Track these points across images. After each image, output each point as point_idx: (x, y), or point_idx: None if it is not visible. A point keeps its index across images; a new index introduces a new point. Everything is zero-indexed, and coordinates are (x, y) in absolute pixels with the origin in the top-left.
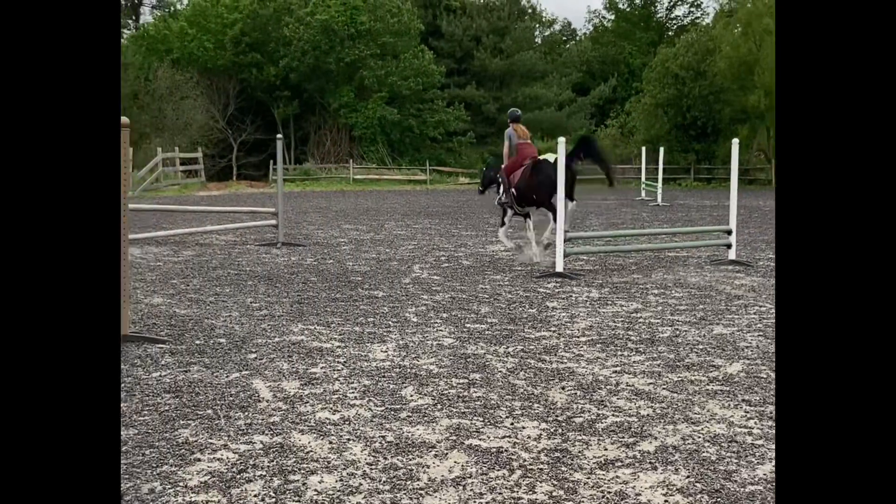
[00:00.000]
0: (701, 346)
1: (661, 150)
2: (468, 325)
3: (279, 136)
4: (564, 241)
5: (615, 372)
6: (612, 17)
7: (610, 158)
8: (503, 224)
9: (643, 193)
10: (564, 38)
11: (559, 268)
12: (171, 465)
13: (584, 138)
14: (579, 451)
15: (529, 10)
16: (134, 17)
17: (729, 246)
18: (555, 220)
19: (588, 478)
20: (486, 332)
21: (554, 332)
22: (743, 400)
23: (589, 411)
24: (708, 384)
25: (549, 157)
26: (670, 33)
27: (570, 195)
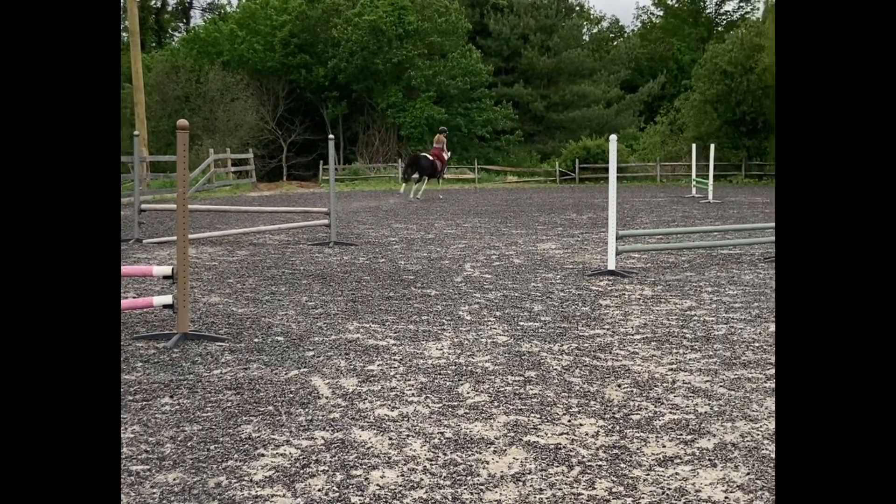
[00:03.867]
0: (757, 344)
1: (712, 146)
2: (522, 323)
3: (331, 136)
4: (616, 238)
5: (671, 370)
6: (661, 13)
7: (429, 171)
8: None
9: (694, 190)
10: (612, 35)
11: (611, 266)
12: (236, 461)
13: (411, 159)
14: (638, 448)
15: (577, 8)
16: (185, 20)
17: None
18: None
19: (647, 474)
20: (540, 330)
21: (608, 329)
22: None
23: (646, 409)
24: (765, 382)
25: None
26: (719, 29)
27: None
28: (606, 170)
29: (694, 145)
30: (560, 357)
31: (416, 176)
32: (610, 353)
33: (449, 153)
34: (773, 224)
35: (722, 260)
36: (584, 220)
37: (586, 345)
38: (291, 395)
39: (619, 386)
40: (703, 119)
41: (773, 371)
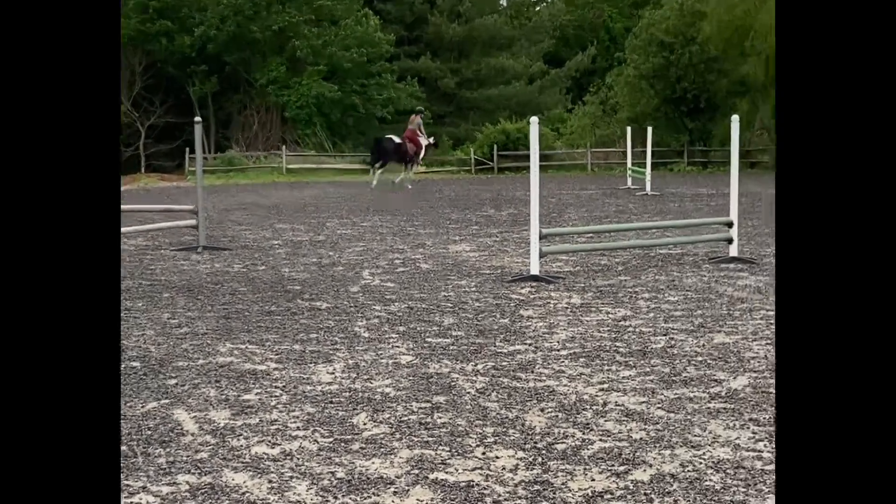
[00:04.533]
0: (700, 358)
1: (649, 129)
2: (429, 340)
3: (198, 118)
4: (540, 238)
5: (602, 390)
6: None
7: (398, 153)
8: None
9: (629, 181)
10: None
11: (534, 270)
12: None
13: (373, 142)
14: (563, 483)
15: None
16: None
17: (730, 241)
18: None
19: None
20: (451, 348)
21: (530, 345)
22: (750, 419)
23: (573, 436)
24: (709, 402)
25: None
26: None
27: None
28: (528, 157)
29: (629, 128)
30: (474, 378)
31: (380, 163)
32: (532, 372)
33: (431, 139)
34: (721, 219)
35: (661, 261)
36: (503, 217)
37: (505, 363)
38: (149, 433)
39: (543, 410)
40: (638, 97)
41: (716, 389)
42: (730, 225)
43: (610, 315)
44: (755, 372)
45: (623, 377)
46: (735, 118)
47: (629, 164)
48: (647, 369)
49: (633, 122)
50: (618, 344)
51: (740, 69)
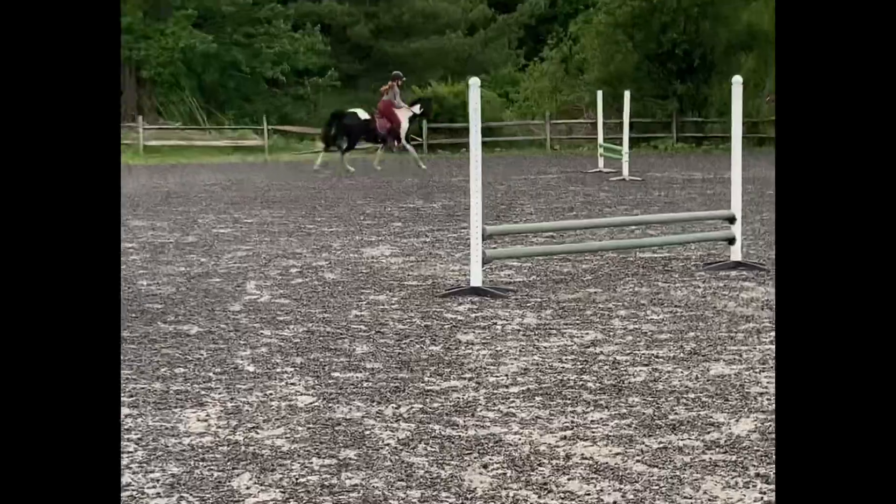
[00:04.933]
0: (692, 395)
1: (627, 95)
2: (336, 375)
3: None
4: (484, 238)
5: (564, 438)
6: None
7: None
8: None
9: (601, 162)
10: None
11: (476, 281)
12: None
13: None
14: None
15: None
16: None
17: (731, 241)
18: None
19: None
20: (365, 385)
21: (470, 380)
22: (757, 475)
23: (525, 500)
24: (704, 452)
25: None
26: None
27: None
28: (468, 132)
29: (600, 93)
30: (395, 425)
31: (346, 146)
32: (472, 415)
33: (417, 108)
34: (720, 212)
35: (642, 268)
36: (435, 211)
37: (436, 405)
38: None
39: (486, 467)
40: (612, 53)
41: (714, 436)
42: (731, 220)
43: (575, 339)
44: (763, 412)
45: (592, 421)
46: (737, 80)
47: (601, 141)
48: (624, 410)
49: (606, 84)
50: (585, 377)
51: (744, 15)
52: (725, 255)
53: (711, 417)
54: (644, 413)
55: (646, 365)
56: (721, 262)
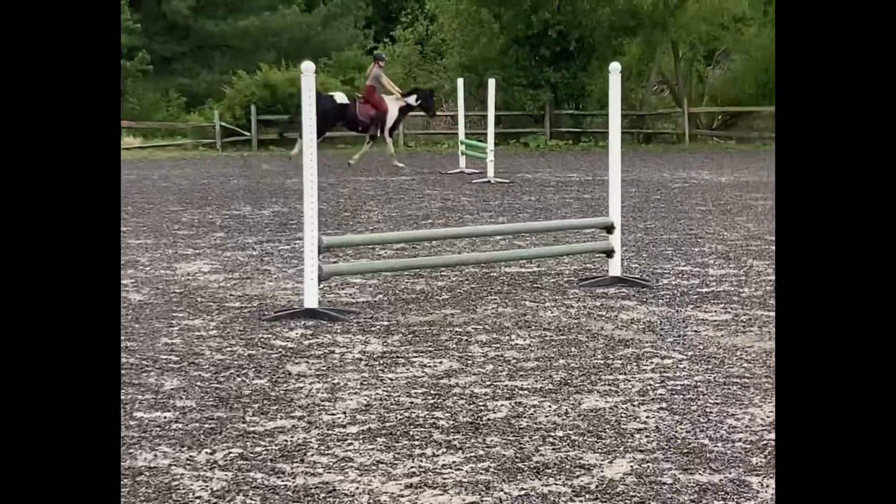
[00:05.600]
0: (561, 433)
1: (491, 83)
2: (139, 415)
3: None
4: (320, 251)
5: (410, 487)
6: None
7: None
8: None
9: (462, 161)
10: None
11: (310, 301)
12: None
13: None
14: None
15: None
16: None
17: (610, 253)
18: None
19: None
20: (174, 426)
21: (300, 419)
22: None
23: None
24: (571, 500)
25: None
26: None
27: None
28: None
29: (461, 81)
30: (209, 474)
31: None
32: (302, 461)
33: (412, 99)
34: (597, 220)
35: (507, 285)
36: (264, 219)
37: (259, 449)
38: None
39: None
40: (475, 34)
41: (584, 480)
42: (609, 229)
43: (427, 369)
44: (641, 452)
45: (443, 465)
46: (615, 67)
47: (462, 136)
48: (481, 452)
49: (469, 71)
50: (437, 414)
51: None
52: (603, 270)
53: (581, 459)
54: (504, 455)
55: (508, 398)
56: (598, 278)
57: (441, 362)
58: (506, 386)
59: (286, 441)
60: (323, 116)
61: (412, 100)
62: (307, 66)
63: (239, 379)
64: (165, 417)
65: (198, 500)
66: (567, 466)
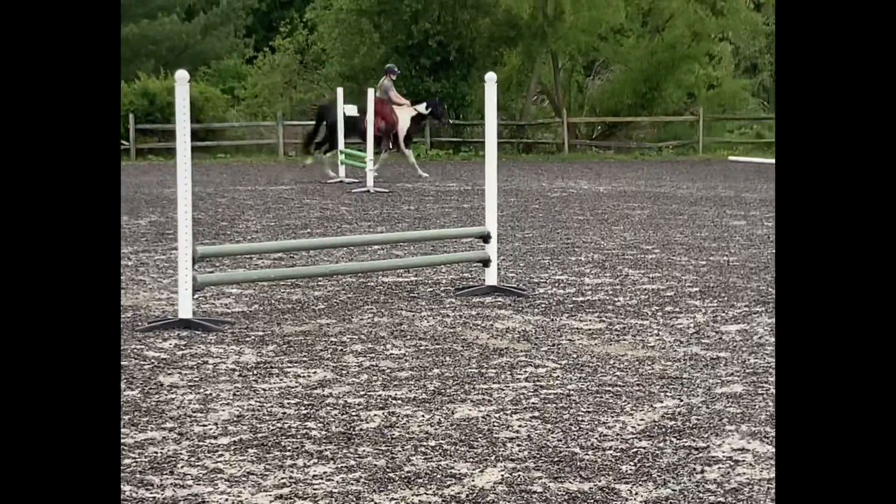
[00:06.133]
0: (433, 443)
1: (371, 93)
2: None
3: None
4: (195, 261)
5: (280, 498)
6: None
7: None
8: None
9: (342, 171)
10: None
11: (185, 312)
12: None
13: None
14: None
15: None
16: None
17: (486, 262)
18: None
19: None
20: None
21: (171, 430)
22: None
23: None
24: None
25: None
26: None
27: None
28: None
29: (341, 90)
30: None
31: (321, 141)
32: (171, 473)
33: (422, 107)
34: (474, 229)
35: (384, 294)
36: (141, 229)
37: (128, 461)
38: None
39: None
40: (356, 44)
41: (455, 489)
42: (486, 238)
43: (301, 379)
44: (512, 461)
45: (314, 476)
46: (490, 77)
47: (341, 146)
48: (353, 462)
49: (349, 80)
50: (310, 424)
51: (505, 2)
52: (480, 279)
53: (453, 468)
54: (376, 465)
55: (381, 408)
56: (475, 287)
57: (315, 372)
58: (379, 396)
59: (156, 453)
60: (334, 128)
61: (422, 108)
62: (181, 76)
63: None
64: None
65: None
66: (438, 476)
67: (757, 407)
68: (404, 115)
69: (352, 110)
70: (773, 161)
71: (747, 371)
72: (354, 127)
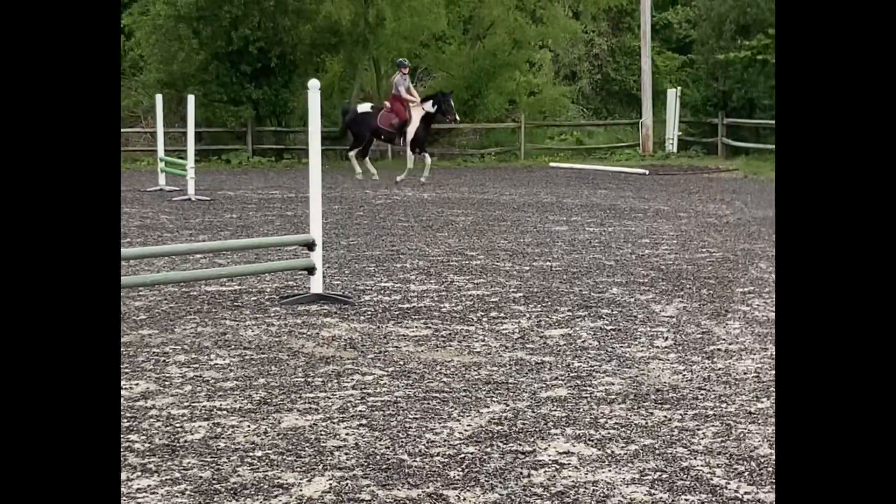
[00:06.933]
0: (259, 453)
1: (191, 99)
2: None
3: None
4: None
5: None
6: None
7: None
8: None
9: (162, 179)
10: None
11: None
12: None
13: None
14: None
15: None
16: None
17: (311, 270)
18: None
19: None
20: None
21: None
22: None
23: None
24: None
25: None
26: None
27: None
28: None
29: (160, 97)
30: None
31: (354, 144)
32: None
33: (429, 105)
34: (299, 237)
35: (207, 304)
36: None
37: None
38: None
39: None
40: (174, 51)
41: (282, 499)
42: (311, 246)
43: (123, 391)
44: (340, 469)
45: (137, 489)
46: (314, 84)
47: (161, 154)
48: (178, 474)
49: (168, 87)
50: (132, 437)
51: (323, 8)
52: (305, 287)
53: (280, 478)
54: (201, 477)
55: (206, 419)
56: (300, 295)
57: (137, 384)
58: (204, 406)
59: None
60: (358, 127)
61: (429, 105)
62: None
63: None
64: None
65: None
66: (265, 486)
67: (581, 410)
68: (416, 113)
69: (364, 107)
70: (593, 167)
71: (571, 375)
72: (369, 124)
